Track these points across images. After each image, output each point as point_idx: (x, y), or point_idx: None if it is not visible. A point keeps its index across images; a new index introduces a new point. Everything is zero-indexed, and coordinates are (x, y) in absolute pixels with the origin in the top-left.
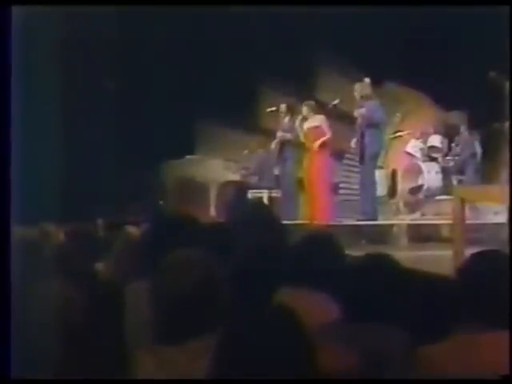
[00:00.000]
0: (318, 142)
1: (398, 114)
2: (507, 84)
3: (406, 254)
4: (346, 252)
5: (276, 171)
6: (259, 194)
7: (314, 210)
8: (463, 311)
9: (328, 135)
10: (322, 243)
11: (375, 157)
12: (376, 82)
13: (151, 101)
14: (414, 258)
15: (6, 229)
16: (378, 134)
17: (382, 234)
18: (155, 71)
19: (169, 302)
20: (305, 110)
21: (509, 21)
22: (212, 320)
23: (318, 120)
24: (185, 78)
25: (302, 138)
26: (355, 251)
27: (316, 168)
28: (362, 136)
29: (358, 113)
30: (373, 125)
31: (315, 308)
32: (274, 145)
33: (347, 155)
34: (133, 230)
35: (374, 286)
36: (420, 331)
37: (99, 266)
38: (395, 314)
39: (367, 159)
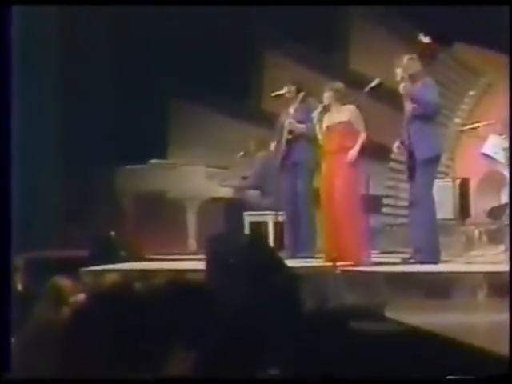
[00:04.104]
0: (352, 154)
1: (471, 93)
2: None
3: (483, 319)
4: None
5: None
6: (260, 218)
7: (339, 244)
8: None
9: (362, 137)
10: (336, 322)
11: (432, 163)
12: (439, 43)
13: (99, 74)
14: (496, 326)
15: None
16: (433, 131)
17: (447, 282)
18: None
19: None
20: (328, 96)
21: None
22: None
23: (346, 113)
24: (152, 43)
25: (319, 139)
26: (403, 310)
27: (341, 179)
28: (410, 136)
29: (407, 104)
30: (425, 117)
31: None
32: (275, 144)
33: (393, 156)
34: (66, 284)
35: None
36: None
37: None
38: None
39: (420, 169)
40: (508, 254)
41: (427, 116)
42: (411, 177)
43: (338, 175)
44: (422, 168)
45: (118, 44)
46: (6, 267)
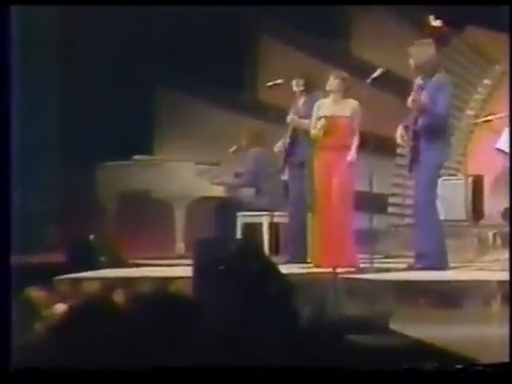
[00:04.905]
0: (353, 154)
1: (485, 82)
2: None
3: (497, 332)
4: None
5: (285, 179)
6: (255, 219)
7: (334, 248)
8: None
9: (357, 137)
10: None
11: (437, 167)
12: (451, 26)
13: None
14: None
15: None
16: (441, 139)
17: (457, 290)
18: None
19: None
20: (334, 84)
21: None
22: None
23: (348, 107)
24: (137, 30)
25: (312, 129)
26: (407, 322)
27: (340, 178)
28: (417, 135)
29: (416, 99)
30: (436, 118)
31: None
32: (281, 143)
33: (400, 151)
34: (39, 297)
35: None
36: None
37: None
38: None
39: (425, 170)
40: None
41: (437, 127)
42: (412, 170)
43: (336, 174)
44: (425, 169)
45: (104, 32)
46: (6, 264)
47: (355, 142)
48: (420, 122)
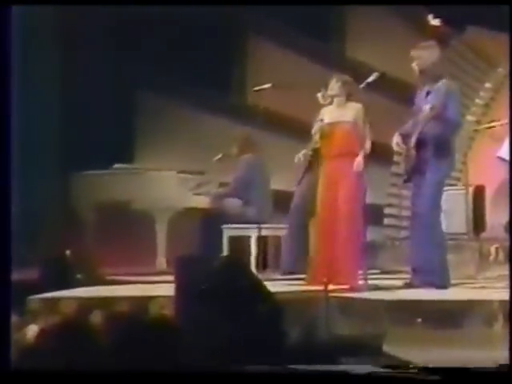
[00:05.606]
0: (359, 163)
1: (486, 86)
2: None
3: (500, 355)
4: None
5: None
6: (242, 232)
7: (333, 263)
8: None
9: (367, 143)
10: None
11: (443, 178)
12: (450, 26)
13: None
14: None
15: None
16: (450, 145)
17: (455, 310)
18: None
19: None
20: (336, 87)
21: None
22: None
23: (352, 111)
24: (116, 27)
25: (314, 137)
26: (403, 344)
27: (346, 189)
28: (423, 144)
29: (435, 106)
30: (448, 126)
31: None
32: (302, 155)
33: (396, 159)
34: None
35: None
36: None
37: None
38: None
39: (431, 182)
40: None
41: (447, 136)
42: (410, 180)
43: (341, 184)
44: (430, 181)
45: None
46: (7, 260)
47: (364, 148)
48: (427, 129)
